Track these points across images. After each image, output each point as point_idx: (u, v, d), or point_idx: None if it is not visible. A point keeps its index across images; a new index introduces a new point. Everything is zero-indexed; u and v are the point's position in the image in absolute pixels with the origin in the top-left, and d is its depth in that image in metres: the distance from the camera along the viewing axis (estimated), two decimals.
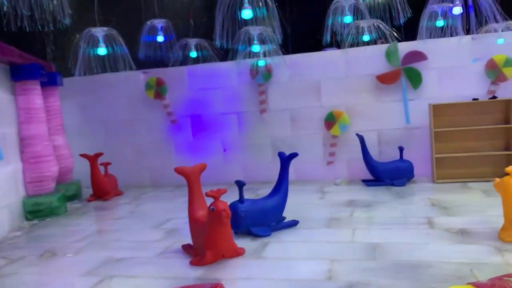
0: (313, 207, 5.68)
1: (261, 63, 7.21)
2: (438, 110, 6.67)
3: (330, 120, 7.31)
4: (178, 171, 4.05)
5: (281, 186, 4.71)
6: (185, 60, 7.91)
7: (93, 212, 6.40)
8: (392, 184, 6.55)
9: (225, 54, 7.20)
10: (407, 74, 6.99)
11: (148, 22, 7.32)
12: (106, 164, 7.22)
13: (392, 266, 3.47)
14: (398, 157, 6.76)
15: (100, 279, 3.62)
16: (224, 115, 7.81)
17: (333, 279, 3.31)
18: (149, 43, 7.48)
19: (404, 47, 7.01)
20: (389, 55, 7.05)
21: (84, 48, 6.51)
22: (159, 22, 7.31)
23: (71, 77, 7.52)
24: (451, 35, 6.72)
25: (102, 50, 6.38)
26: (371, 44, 7.09)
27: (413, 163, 6.65)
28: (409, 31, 6.90)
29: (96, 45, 6.41)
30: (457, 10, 6.04)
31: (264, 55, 6.88)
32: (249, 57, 6.83)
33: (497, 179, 3.88)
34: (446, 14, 6.45)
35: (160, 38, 7.37)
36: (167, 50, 7.66)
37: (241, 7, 5.20)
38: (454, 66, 6.87)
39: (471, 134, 6.72)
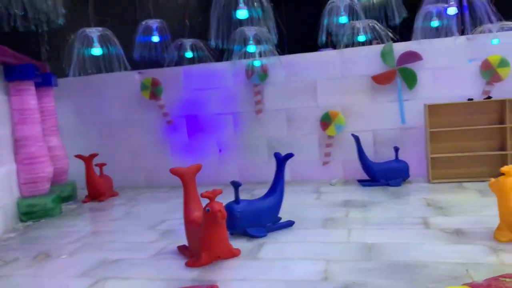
0: (309, 207, 5.68)
1: (257, 63, 7.20)
2: (433, 110, 6.69)
3: (326, 121, 7.31)
4: (174, 172, 4.04)
5: (277, 186, 4.70)
6: (181, 61, 7.87)
7: (88, 213, 6.37)
8: (388, 184, 6.56)
9: (221, 55, 7.18)
10: (403, 74, 7.01)
11: (143, 22, 7.29)
12: (101, 165, 7.18)
13: (388, 266, 3.47)
14: (393, 157, 6.78)
15: (95, 280, 3.60)
16: (219, 115, 7.80)
17: (329, 279, 3.31)
18: (144, 43, 7.45)
19: (399, 47, 7.03)
20: (385, 56, 7.07)
21: (78, 48, 6.46)
22: (154, 22, 7.28)
23: (65, 77, 7.45)
24: (446, 36, 6.73)
25: (96, 51, 6.34)
26: (366, 45, 7.09)
27: (408, 163, 6.67)
28: (404, 32, 6.90)
29: (90, 45, 6.35)
30: (452, 10, 6.06)
31: (260, 56, 6.86)
32: (245, 58, 6.80)
33: (492, 179, 3.89)
34: (441, 15, 6.46)
35: (155, 38, 7.34)
36: (162, 50, 7.62)
37: (236, 7, 5.19)
38: (449, 66, 6.90)
39: (466, 134, 6.74)
